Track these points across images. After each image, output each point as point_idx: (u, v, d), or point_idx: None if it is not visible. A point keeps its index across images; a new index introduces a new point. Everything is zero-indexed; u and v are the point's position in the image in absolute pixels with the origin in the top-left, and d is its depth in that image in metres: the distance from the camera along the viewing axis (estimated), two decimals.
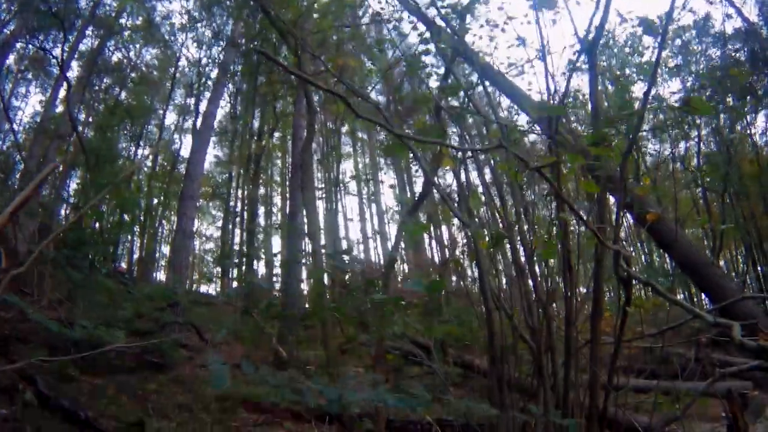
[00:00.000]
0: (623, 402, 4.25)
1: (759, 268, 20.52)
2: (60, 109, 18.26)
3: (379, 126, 2.84)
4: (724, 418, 7.35)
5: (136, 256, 23.77)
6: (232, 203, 26.10)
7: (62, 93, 17.53)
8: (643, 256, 24.59)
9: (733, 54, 16.15)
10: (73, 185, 19.83)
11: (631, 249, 24.23)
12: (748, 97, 16.02)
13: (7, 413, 4.88)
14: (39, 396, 5.67)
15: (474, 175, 7.25)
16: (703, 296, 22.64)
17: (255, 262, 21.42)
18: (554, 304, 4.17)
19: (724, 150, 17.37)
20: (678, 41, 16.98)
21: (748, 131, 18.67)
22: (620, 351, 3.55)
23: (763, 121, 20.27)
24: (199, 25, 21.42)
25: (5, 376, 5.83)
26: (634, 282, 3.66)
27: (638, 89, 13.95)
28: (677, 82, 18.62)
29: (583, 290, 4.18)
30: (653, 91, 14.48)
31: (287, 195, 21.04)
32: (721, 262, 22.94)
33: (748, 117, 17.95)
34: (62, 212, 18.53)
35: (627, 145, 3.41)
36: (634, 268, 3.44)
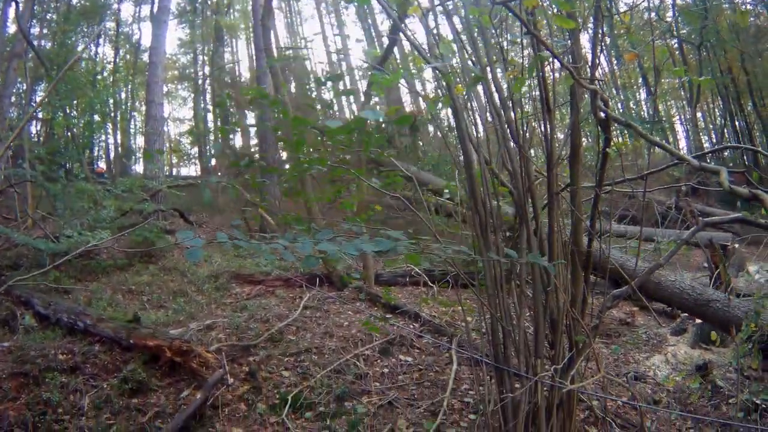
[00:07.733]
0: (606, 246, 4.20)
1: (737, 122, 20.35)
2: (13, 29, 17.30)
3: None
4: (706, 268, 7.47)
5: (113, 155, 23.42)
6: (200, 82, 25.33)
7: (12, 12, 16.52)
8: (619, 104, 24.18)
9: None
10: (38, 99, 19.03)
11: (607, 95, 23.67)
12: None
13: (9, 344, 4.88)
14: (38, 317, 5.70)
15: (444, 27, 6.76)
16: (682, 145, 22.64)
17: (231, 135, 21.12)
18: (531, 149, 3.99)
19: (700, 2, 16.39)
20: None
21: None
22: (601, 195, 3.43)
23: None
24: None
25: (2, 307, 5.83)
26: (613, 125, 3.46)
27: None
28: None
29: (560, 136, 3.96)
30: None
31: (254, 65, 20.31)
32: (699, 114, 22.80)
33: None
34: (33, 130, 18.38)
35: None
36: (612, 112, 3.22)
